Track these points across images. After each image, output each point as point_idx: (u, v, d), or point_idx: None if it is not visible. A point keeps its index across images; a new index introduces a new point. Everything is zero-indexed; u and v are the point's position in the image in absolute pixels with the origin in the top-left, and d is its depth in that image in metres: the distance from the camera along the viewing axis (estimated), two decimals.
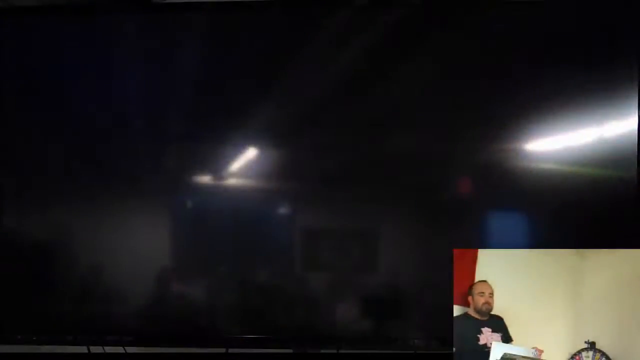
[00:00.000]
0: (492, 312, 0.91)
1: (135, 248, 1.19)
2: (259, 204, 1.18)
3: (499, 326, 0.90)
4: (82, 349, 1.21)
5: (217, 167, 1.18)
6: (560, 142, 1.12)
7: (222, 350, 1.20)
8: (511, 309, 0.91)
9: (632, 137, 1.10)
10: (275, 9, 1.16)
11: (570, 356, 0.89)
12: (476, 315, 0.91)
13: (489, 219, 1.15)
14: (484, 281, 0.91)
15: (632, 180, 1.10)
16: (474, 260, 0.94)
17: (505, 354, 0.88)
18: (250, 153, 1.18)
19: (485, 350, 0.89)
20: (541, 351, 0.88)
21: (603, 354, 0.89)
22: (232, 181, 1.18)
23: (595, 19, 1.12)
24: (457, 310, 0.92)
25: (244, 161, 1.18)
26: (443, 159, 1.15)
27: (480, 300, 0.90)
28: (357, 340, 1.17)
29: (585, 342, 0.89)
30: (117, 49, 1.20)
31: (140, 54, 1.20)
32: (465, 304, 0.92)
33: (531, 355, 0.87)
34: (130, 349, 1.21)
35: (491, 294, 0.90)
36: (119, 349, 1.21)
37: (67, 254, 1.21)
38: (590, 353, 0.89)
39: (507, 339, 0.89)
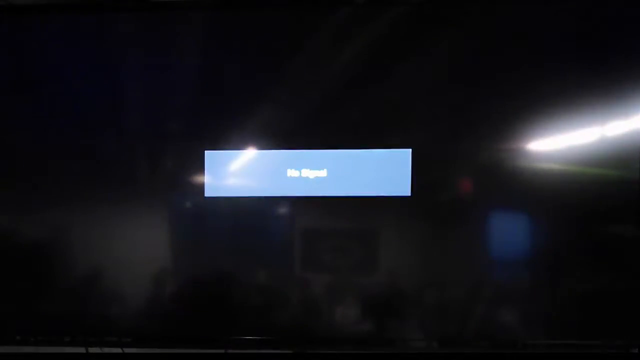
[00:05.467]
0: None
1: (134, 248, 1.19)
2: (259, 204, 1.18)
3: None
4: (81, 350, 1.21)
5: (216, 166, 1.17)
6: (563, 141, 1.12)
7: (221, 350, 1.20)
8: None
9: (635, 136, 1.10)
10: (275, 8, 1.15)
11: None
12: None
13: (490, 219, 1.15)
14: None
15: (636, 180, 1.09)
16: None
17: None
18: (250, 153, 1.17)
19: None
20: None
21: None
22: (231, 181, 1.17)
23: (599, 17, 1.11)
24: None
25: (244, 161, 1.17)
26: (443, 159, 1.15)
27: None
28: (357, 341, 1.17)
29: None
30: (115, 48, 1.18)
31: (138, 52, 1.19)
32: None
33: None
34: (129, 350, 1.21)
35: None
36: (117, 350, 1.20)
37: (65, 255, 1.20)
38: None
39: None
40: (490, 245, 1.15)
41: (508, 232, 1.14)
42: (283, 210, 1.18)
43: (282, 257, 1.18)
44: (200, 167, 1.17)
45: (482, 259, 1.15)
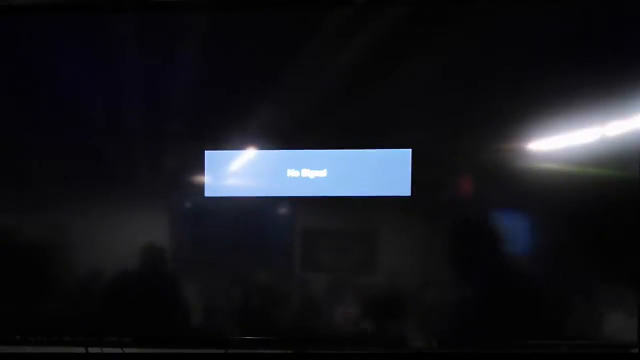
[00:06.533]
0: None
1: (134, 248, 1.19)
2: (259, 204, 1.17)
3: None
4: (81, 350, 1.21)
5: (216, 166, 1.17)
6: (563, 141, 1.12)
7: (221, 350, 1.20)
8: None
9: (635, 136, 1.09)
10: (275, 8, 1.15)
11: None
12: None
13: (490, 219, 1.15)
14: None
15: (636, 180, 1.09)
16: None
17: None
18: (250, 153, 1.17)
19: None
20: None
21: None
22: (231, 181, 1.17)
23: (599, 17, 1.11)
24: None
25: (244, 161, 1.17)
26: (443, 159, 1.15)
27: None
28: (357, 341, 1.17)
29: None
30: (115, 48, 1.18)
31: (138, 52, 1.19)
32: None
33: None
34: (129, 350, 1.21)
35: None
36: (117, 350, 1.20)
37: (65, 254, 1.20)
38: None
39: None
40: (490, 245, 1.14)
41: (508, 232, 1.14)
42: (283, 210, 1.17)
43: (282, 257, 1.18)
44: (200, 167, 1.17)
45: (482, 259, 1.15)
